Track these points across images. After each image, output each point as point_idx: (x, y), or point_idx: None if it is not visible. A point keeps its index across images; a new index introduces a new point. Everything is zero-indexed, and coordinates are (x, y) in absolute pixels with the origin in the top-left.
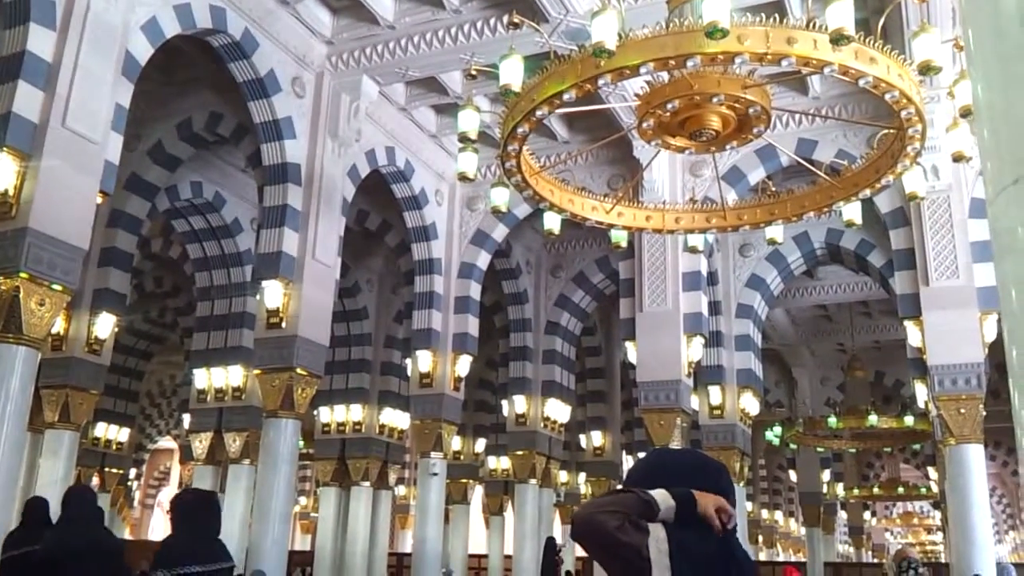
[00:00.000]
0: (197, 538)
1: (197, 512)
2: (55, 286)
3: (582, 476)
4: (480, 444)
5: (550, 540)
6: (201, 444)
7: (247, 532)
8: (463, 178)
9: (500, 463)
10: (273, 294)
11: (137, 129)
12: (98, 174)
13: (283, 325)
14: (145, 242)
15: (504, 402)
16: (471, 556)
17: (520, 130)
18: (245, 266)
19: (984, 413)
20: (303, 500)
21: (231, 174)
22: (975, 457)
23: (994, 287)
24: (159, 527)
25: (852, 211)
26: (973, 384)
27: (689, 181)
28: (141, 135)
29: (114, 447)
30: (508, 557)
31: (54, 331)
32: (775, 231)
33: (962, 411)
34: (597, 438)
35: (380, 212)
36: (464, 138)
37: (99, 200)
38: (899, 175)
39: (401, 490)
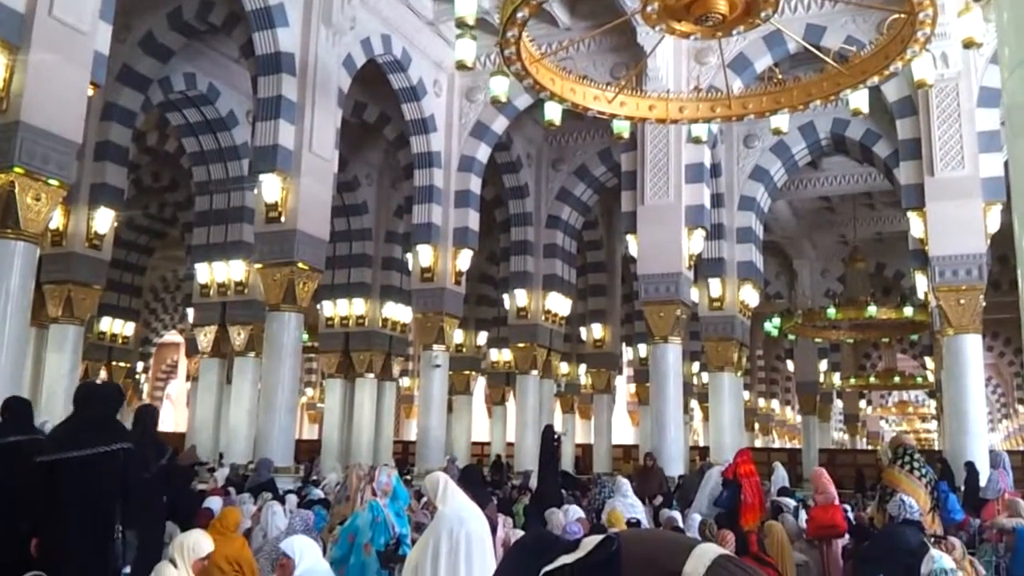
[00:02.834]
0: (76, 426)
1: (79, 403)
2: (51, 180)
3: (582, 367)
4: (482, 337)
5: (548, 428)
6: (206, 338)
7: (254, 422)
8: (461, 66)
9: (502, 355)
10: (271, 188)
11: (127, 19)
12: (88, 65)
13: (282, 219)
14: (140, 136)
15: (505, 296)
16: (474, 444)
17: (520, 15)
18: (242, 160)
19: (984, 304)
20: (309, 391)
21: (224, 65)
22: (973, 347)
23: (999, 177)
24: (168, 419)
25: (859, 99)
26: (974, 275)
27: (694, 69)
28: (131, 25)
29: (120, 341)
30: (510, 444)
31: (53, 226)
32: (780, 120)
33: (962, 302)
34: (597, 330)
35: (378, 104)
36: (461, 24)
37: (90, 92)
38: (908, 62)
39: (406, 381)
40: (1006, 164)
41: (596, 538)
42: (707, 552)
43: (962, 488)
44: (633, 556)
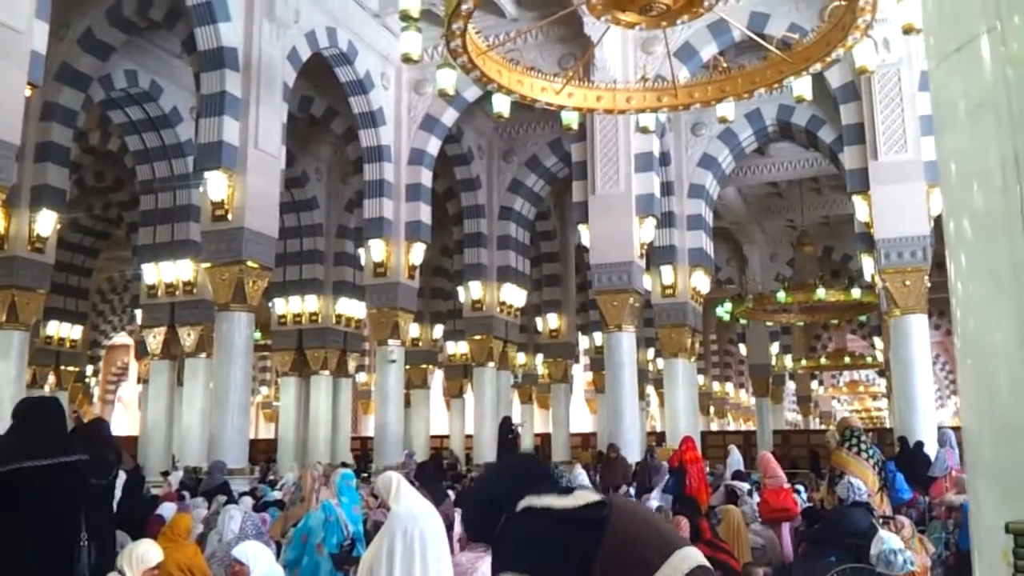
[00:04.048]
0: (29, 438)
1: (30, 415)
2: None
3: (539, 357)
4: (438, 330)
5: (506, 420)
6: (155, 339)
7: (208, 424)
8: (407, 59)
9: (458, 348)
10: (216, 185)
11: (64, 16)
12: (25, 65)
13: (229, 217)
14: (82, 135)
15: (460, 288)
16: (433, 437)
17: (464, 7)
18: (187, 157)
19: (929, 284)
20: (264, 390)
21: (167, 61)
22: (919, 327)
23: None
24: (121, 422)
25: (803, 86)
26: (919, 256)
27: (641, 59)
28: (69, 23)
29: (68, 345)
30: (469, 437)
31: None
32: (726, 109)
33: (907, 283)
34: (553, 320)
35: (325, 98)
36: (406, 16)
37: (28, 92)
38: (849, 48)
39: (362, 377)
40: None
41: (591, 495)
42: (687, 559)
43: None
44: (619, 529)
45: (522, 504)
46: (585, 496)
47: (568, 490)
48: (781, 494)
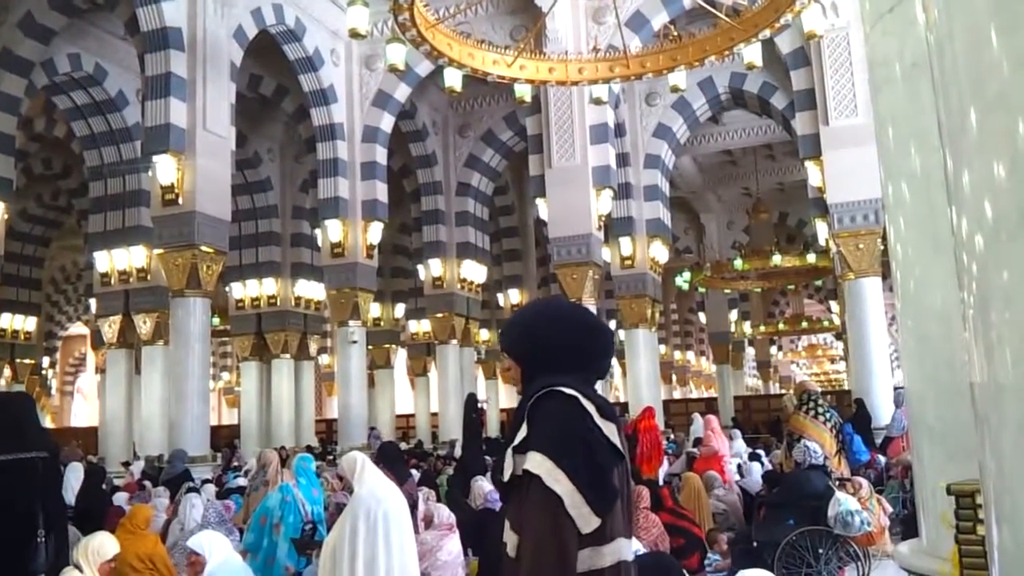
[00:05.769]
0: None
1: None
2: None
3: None
4: (400, 309)
5: (471, 396)
6: (111, 328)
7: (168, 412)
8: (355, 35)
9: (421, 326)
10: (166, 169)
11: (3, 1)
12: None
13: (180, 201)
14: (27, 122)
15: (420, 266)
16: (398, 416)
17: None
18: (135, 141)
19: (882, 247)
20: (226, 375)
21: (110, 43)
22: (873, 289)
23: None
24: (81, 413)
25: (752, 53)
26: (871, 219)
27: (592, 29)
28: (8, 7)
29: (22, 337)
30: (434, 415)
31: None
32: (678, 78)
33: (860, 246)
34: (514, 296)
35: (274, 76)
36: None
37: None
38: (798, 13)
39: (326, 359)
40: None
41: (616, 438)
42: (619, 551)
43: (875, 428)
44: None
45: (570, 391)
46: (614, 434)
47: (607, 408)
48: (711, 461)
